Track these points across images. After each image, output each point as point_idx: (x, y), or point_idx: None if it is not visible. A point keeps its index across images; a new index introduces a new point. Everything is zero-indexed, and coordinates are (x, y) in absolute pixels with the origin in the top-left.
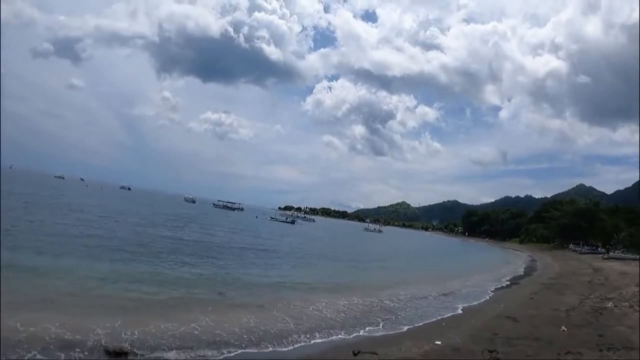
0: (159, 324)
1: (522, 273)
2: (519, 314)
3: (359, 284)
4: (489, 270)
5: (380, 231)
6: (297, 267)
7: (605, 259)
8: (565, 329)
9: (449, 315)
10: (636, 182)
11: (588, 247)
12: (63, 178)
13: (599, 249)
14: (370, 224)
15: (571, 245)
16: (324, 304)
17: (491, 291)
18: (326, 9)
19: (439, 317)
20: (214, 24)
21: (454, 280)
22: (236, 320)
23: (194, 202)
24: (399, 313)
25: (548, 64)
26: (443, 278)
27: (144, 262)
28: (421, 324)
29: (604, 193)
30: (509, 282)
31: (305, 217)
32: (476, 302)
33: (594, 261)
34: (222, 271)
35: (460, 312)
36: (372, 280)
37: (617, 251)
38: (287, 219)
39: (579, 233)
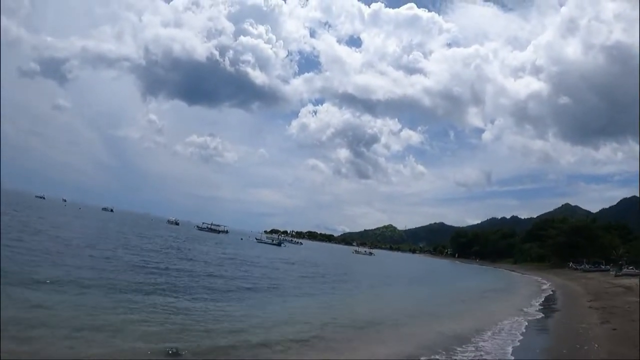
0: None
1: (549, 294)
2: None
3: (388, 318)
4: (510, 293)
5: (371, 254)
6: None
7: (619, 275)
8: None
9: None
10: (621, 200)
11: (590, 265)
12: (44, 198)
13: (602, 266)
14: (359, 247)
15: (570, 264)
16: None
17: (537, 319)
18: (312, 34)
19: None
20: (200, 47)
21: (487, 307)
22: None
23: (177, 224)
24: None
25: (529, 85)
26: (472, 308)
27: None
28: None
29: (589, 212)
30: (541, 307)
31: (292, 240)
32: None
33: (611, 279)
34: None
35: None
36: (400, 316)
37: (629, 267)
38: (273, 241)
39: (575, 251)
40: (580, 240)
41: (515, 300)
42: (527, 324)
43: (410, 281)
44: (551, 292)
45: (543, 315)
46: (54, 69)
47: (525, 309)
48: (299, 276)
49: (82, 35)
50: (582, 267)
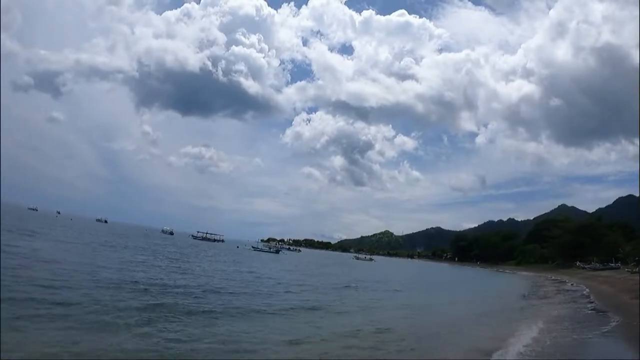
0: None
1: (583, 294)
2: None
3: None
4: (546, 297)
5: (371, 259)
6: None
7: (635, 272)
8: None
9: None
10: (617, 199)
11: (598, 264)
12: (36, 210)
13: (611, 265)
14: (359, 254)
15: (577, 263)
16: None
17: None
18: (304, 43)
19: None
20: (192, 58)
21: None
22: None
23: (172, 234)
24: None
25: (521, 89)
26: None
27: None
28: None
29: (585, 212)
30: (592, 310)
31: (289, 247)
32: None
33: (628, 276)
34: None
35: None
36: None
37: None
38: (270, 249)
39: (581, 250)
40: (585, 239)
41: (563, 301)
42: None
43: (444, 285)
44: (584, 294)
45: (604, 318)
46: (47, 82)
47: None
48: (344, 286)
49: (75, 48)
50: (591, 266)
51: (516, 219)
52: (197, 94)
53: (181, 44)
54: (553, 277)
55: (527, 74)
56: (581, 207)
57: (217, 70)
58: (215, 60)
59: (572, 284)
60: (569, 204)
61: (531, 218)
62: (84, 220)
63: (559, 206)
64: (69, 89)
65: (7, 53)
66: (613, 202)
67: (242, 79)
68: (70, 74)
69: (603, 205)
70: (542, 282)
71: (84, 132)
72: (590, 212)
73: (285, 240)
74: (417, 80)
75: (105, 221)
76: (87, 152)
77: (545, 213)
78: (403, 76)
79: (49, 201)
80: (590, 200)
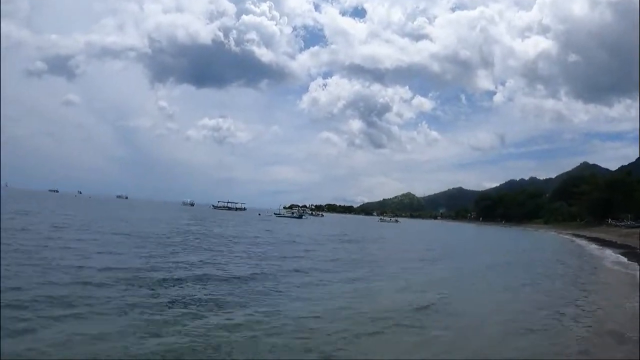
0: None
1: None
2: None
3: None
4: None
5: (397, 221)
6: None
7: None
8: None
9: None
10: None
11: (632, 222)
12: (57, 191)
13: None
14: (383, 216)
15: (609, 220)
16: None
17: None
18: (316, 8)
19: None
20: (203, 30)
21: None
22: None
23: (192, 205)
24: None
25: (538, 45)
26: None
27: None
28: None
29: (607, 169)
30: None
31: (312, 213)
32: None
33: None
34: None
35: None
36: None
37: None
38: (293, 214)
39: (611, 207)
40: (616, 196)
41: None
42: None
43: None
44: None
45: None
46: (60, 66)
47: None
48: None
49: (84, 30)
50: (625, 223)
51: (538, 177)
52: (210, 66)
53: (191, 17)
54: (591, 236)
55: (543, 30)
56: (603, 165)
57: (229, 41)
58: (226, 31)
59: (616, 242)
60: (591, 162)
61: (553, 176)
62: (104, 198)
63: (580, 164)
64: (83, 70)
65: (17, 41)
66: (636, 160)
67: (254, 48)
68: (82, 56)
69: (626, 163)
70: (586, 243)
71: (100, 112)
72: (613, 170)
73: (308, 205)
74: (431, 39)
75: (126, 197)
76: (104, 132)
77: (567, 171)
78: (417, 36)
79: (71, 184)
80: (612, 157)
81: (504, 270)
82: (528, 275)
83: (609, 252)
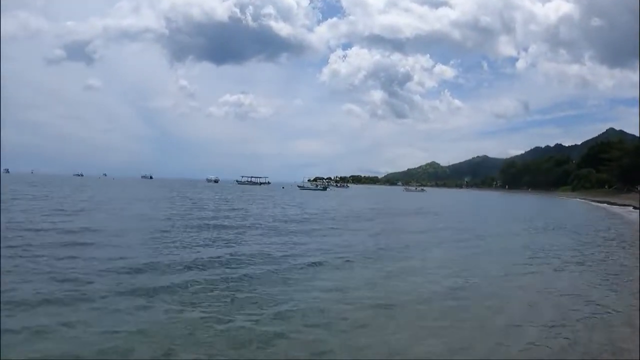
0: None
1: None
2: None
3: None
4: None
5: (423, 190)
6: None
7: None
8: None
9: None
10: None
11: None
12: (82, 175)
13: None
14: (408, 186)
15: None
16: None
17: None
18: None
19: None
20: (219, 8)
21: None
22: None
23: (216, 182)
24: None
25: (559, 9)
26: None
27: None
28: None
29: (634, 135)
30: None
31: (337, 184)
32: None
33: None
34: None
35: None
36: None
37: None
38: (317, 186)
39: None
40: None
41: None
42: None
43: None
44: None
45: None
46: (79, 52)
47: None
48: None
49: (100, 14)
50: None
51: (563, 144)
52: (228, 42)
53: None
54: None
55: None
56: (629, 131)
57: (246, 17)
58: (242, 7)
59: None
60: (617, 128)
61: (579, 143)
62: (129, 179)
63: (606, 130)
64: (101, 55)
65: (34, 30)
66: None
67: (272, 23)
68: (100, 41)
69: None
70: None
71: (122, 95)
72: None
73: (332, 177)
74: (450, 6)
75: (151, 177)
76: (127, 114)
77: (593, 137)
78: (436, 3)
79: (96, 167)
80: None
81: None
82: None
83: None
